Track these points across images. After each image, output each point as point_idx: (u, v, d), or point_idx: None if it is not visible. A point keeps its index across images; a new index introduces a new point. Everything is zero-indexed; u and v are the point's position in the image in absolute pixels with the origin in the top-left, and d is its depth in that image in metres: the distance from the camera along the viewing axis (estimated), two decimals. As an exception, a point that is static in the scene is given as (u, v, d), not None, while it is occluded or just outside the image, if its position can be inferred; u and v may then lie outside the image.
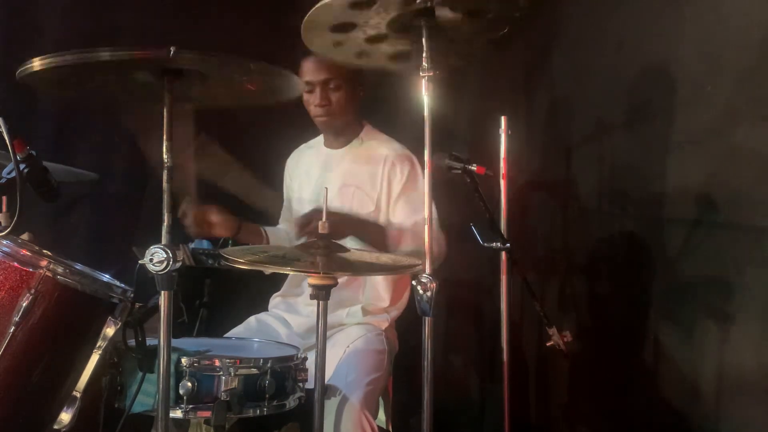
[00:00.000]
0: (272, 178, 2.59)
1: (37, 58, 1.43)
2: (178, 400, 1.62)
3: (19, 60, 1.51)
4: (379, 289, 2.30)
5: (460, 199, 2.27)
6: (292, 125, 2.47)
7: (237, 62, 1.53)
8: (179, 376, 1.63)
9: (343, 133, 2.36)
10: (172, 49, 1.42)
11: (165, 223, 1.51)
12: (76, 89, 1.69)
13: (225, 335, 2.25)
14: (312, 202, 2.35)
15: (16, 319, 1.53)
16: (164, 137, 1.52)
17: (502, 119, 2.29)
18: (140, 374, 1.64)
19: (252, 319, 2.34)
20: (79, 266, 1.66)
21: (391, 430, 2.34)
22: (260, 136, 2.83)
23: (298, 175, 2.47)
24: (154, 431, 1.77)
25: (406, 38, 1.74)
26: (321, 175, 2.38)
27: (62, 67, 1.44)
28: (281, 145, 2.58)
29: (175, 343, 1.55)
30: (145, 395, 1.65)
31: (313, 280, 1.67)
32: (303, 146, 2.53)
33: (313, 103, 2.26)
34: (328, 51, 1.79)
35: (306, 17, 1.60)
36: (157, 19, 2.79)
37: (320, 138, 2.45)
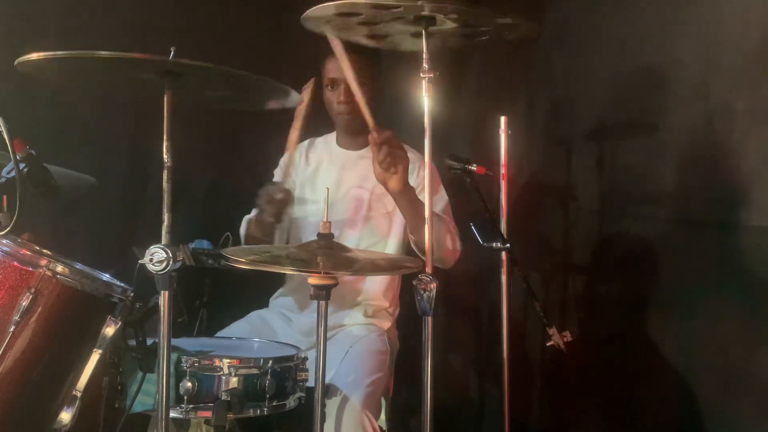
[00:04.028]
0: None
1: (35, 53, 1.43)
2: (178, 400, 1.62)
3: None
4: (381, 288, 2.29)
5: (460, 199, 2.28)
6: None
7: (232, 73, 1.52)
8: (179, 376, 1.62)
9: (361, 134, 2.32)
10: (173, 50, 1.42)
11: (165, 223, 1.51)
12: (76, 81, 1.68)
13: (226, 327, 2.25)
14: (316, 203, 2.29)
15: (16, 318, 1.53)
16: (164, 137, 1.52)
17: (502, 119, 2.29)
18: (140, 374, 1.64)
19: (254, 314, 2.32)
20: (78, 266, 1.66)
21: (389, 430, 2.33)
22: (263, 132, 2.82)
23: (304, 169, 2.38)
24: (154, 431, 1.78)
25: (394, 26, 1.73)
26: (336, 173, 2.32)
27: (61, 60, 1.44)
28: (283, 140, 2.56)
29: (175, 342, 1.55)
30: (145, 395, 1.65)
31: (313, 280, 1.67)
32: (312, 139, 2.43)
33: (335, 100, 2.23)
34: (317, 25, 1.73)
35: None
36: (161, 19, 2.78)
37: (333, 135, 2.41)
